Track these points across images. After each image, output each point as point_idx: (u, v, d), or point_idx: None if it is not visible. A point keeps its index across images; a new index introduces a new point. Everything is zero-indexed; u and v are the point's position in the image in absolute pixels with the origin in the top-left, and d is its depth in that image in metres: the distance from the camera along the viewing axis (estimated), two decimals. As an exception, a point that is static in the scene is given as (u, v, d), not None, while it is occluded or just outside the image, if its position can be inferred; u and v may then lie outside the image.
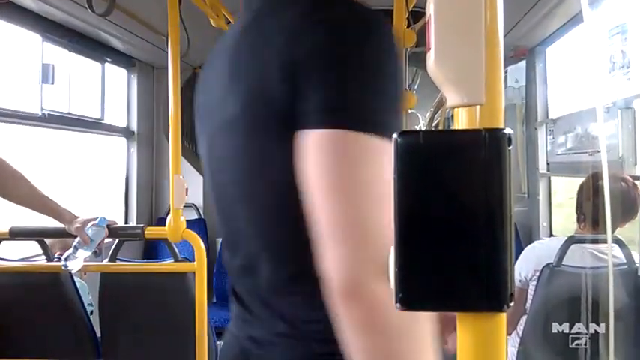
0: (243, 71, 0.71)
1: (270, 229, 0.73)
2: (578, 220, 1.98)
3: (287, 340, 0.73)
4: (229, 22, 2.64)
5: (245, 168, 0.73)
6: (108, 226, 1.80)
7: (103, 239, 1.80)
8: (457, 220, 0.40)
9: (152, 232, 1.76)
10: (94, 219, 1.78)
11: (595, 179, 1.86)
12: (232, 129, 0.73)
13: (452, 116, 0.45)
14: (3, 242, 1.89)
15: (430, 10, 0.40)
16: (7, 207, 1.80)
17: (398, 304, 0.40)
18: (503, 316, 0.43)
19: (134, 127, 3.52)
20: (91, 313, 2.04)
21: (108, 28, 2.72)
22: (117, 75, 3.39)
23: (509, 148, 0.41)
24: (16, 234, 1.86)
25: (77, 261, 1.75)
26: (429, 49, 0.41)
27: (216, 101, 0.77)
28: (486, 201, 0.40)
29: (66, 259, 1.75)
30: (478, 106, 0.41)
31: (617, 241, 1.76)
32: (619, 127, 2.06)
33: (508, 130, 0.41)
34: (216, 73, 0.79)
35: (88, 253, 1.78)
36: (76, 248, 1.76)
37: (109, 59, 3.18)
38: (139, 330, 1.89)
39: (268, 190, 0.71)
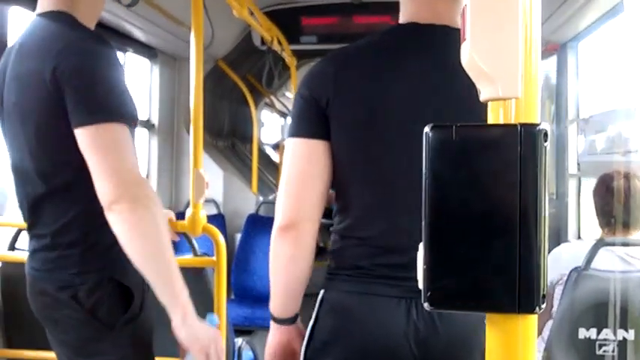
0: None
1: None
2: (602, 225, 1.92)
3: None
4: (252, 13, 2.63)
5: None
6: None
7: None
8: (490, 217, 0.39)
9: (172, 225, 1.76)
10: None
11: (609, 180, 1.81)
12: None
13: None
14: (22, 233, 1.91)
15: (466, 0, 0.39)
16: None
17: (427, 303, 0.39)
18: (534, 319, 0.42)
19: (155, 118, 3.51)
20: None
21: (131, 19, 2.73)
22: (139, 66, 3.40)
23: (546, 144, 0.39)
24: None
25: None
26: (464, 40, 0.39)
27: None
28: (521, 198, 0.38)
29: None
30: (514, 100, 0.40)
31: (646, 244, 1.71)
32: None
33: (544, 126, 0.40)
34: None
35: None
36: None
37: (130, 49, 3.17)
38: (156, 325, 1.89)
39: None
